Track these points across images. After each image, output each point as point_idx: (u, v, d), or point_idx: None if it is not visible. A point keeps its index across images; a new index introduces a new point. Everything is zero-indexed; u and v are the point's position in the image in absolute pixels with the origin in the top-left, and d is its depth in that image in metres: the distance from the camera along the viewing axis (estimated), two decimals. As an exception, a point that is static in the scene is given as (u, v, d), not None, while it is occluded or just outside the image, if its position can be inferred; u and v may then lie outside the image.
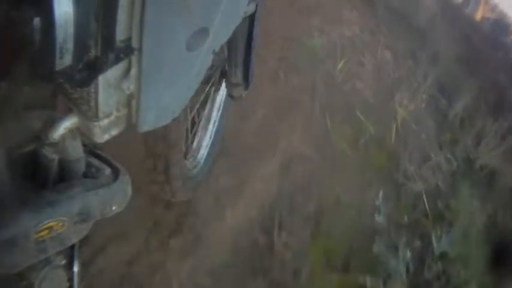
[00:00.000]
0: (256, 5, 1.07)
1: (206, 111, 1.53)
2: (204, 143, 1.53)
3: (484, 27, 6.94)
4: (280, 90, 2.45)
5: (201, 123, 1.51)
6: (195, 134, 1.47)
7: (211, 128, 1.56)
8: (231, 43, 1.15)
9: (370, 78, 3.18)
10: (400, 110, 3.01)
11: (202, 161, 1.51)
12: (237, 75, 1.19)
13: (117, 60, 0.61)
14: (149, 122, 0.74)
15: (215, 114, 1.57)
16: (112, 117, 0.69)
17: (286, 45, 2.74)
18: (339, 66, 2.92)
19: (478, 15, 7.87)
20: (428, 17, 4.52)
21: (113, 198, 0.74)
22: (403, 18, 4.32)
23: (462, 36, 4.97)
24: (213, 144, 1.55)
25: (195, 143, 1.49)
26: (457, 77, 4.07)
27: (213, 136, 1.55)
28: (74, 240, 0.71)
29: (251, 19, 1.09)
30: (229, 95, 1.32)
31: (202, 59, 0.82)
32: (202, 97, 1.40)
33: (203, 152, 1.53)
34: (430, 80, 3.47)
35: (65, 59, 0.52)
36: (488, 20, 7.72)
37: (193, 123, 1.41)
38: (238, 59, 1.17)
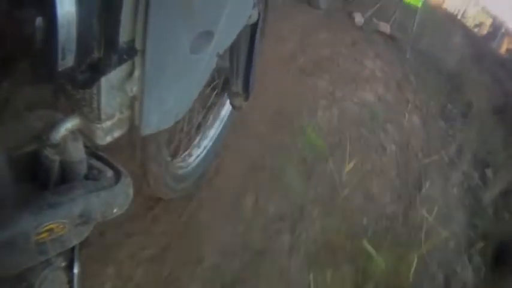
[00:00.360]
0: (259, 14, 1.07)
1: (208, 114, 1.52)
2: (201, 146, 1.49)
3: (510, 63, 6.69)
4: (239, 234, 1.45)
5: (201, 125, 1.49)
6: (189, 134, 1.44)
7: (211, 133, 1.53)
8: (233, 52, 1.15)
9: (392, 169, 2.30)
10: (429, 218, 2.17)
11: (194, 163, 1.45)
12: (238, 85, 1.20)
13: (120, 61, 0.61)
14: (152, 124, 0.74)
15: (218, 120, 1.56)
16: (115, 119, 0.69)
17: (273, 132, 1.82)
18: (347, 169, 1.97)
19: (504, 48, 7.77)
20: (458, 58, 4.18)
21: (115, 201, 0.74)
22: (431, 61, 3.78)
23: (493, 80, 4.51)
24: (210, 150, 1.52)
25: (192, 144, 1.47)
26: (492, 141, 3.40)
27: (211, 143, 1.52)
28: (75, 242, 0.70)
29: (253, 29, 1.10)
30: (231, 104, 1.32)
31: (206, 62, 0.81)
32: (201, 99, 1.39)
33: (198, 154, 1.48)
34: (463, 156, 2.88)
35: (67, 60, 0.52)
36: (514, 54, 7.49)
37: (189, 122, 1.38)
38: (239, 68, 1.17)
